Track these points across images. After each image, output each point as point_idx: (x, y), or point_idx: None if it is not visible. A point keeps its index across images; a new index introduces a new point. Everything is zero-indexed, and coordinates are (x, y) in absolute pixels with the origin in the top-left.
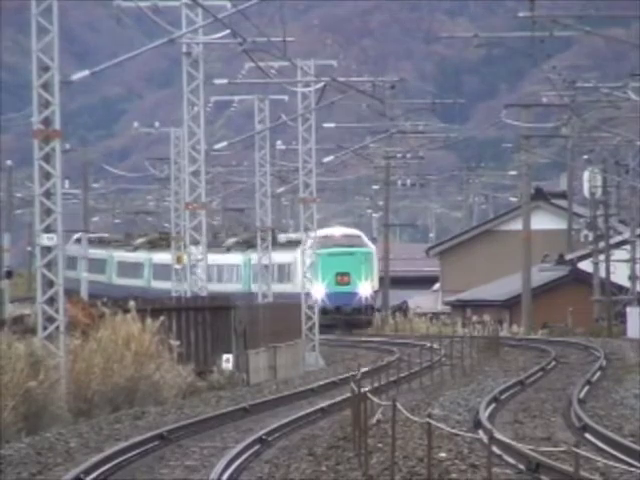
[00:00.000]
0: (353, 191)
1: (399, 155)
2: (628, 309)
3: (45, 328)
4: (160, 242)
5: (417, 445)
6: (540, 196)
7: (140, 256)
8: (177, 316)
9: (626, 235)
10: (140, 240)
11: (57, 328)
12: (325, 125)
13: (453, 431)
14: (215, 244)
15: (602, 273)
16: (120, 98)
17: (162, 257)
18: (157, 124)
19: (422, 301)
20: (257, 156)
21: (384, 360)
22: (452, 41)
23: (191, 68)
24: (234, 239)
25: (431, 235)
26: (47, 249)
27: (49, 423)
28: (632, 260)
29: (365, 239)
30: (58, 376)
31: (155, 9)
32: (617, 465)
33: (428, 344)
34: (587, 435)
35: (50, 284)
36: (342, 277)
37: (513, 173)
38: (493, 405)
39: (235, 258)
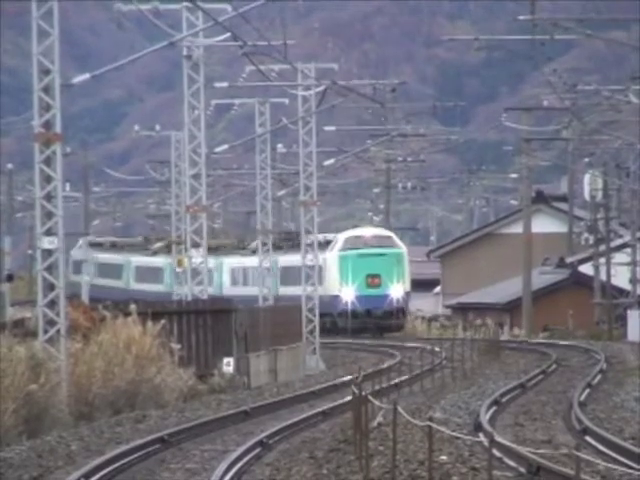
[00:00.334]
0: (354, 194)
1: (400, 158)
2: (629, 312)
3: (46, 331)
4: (179, 246)
5: (418, 448)
6: (541, 199)
7: (160, 260)
8: (178, 319)
9: (627, 238)
10: (158, 244)
11: (58, 331)
12: (326, 128)
13: (454, 434)
14: (240, 247)
15: (603, 276)
16: (121, 101)
17: None
18: (158, 127)
19: (423, 304)
20: (258, 159)
21: (385, 363)
22: (453, 44)
23: (192, 71)
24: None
25: (432, 238)
26: (48, 252)
27: (50, 426)
28: (633, 263)
29: (396, 239)
30: (59, 379)
31: (156, 12)
32: (618, 468)
33: (429, 347)
34: (588, 438)
35: (51, 287)
36: (373, 279)
37: (514, 176)
38: (494, 408)
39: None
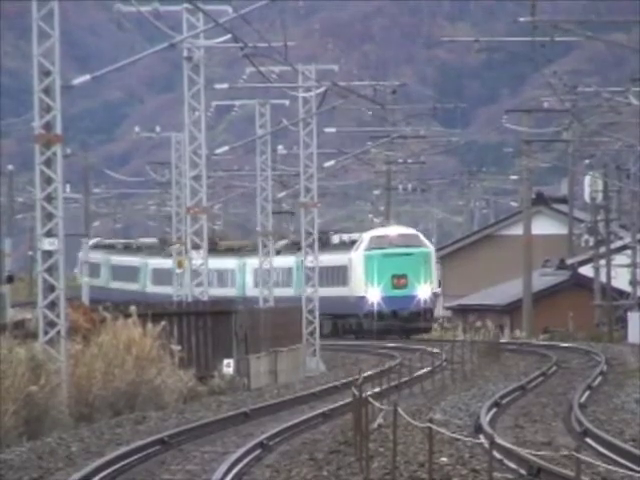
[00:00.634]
0: (354, 196)
1: (400, 160)
2: (629, 314)
3: (46, 333)
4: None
5: (418, 450)
6: (541, 201)
7: None
8: (178, 321)
9: (627, 240)
10: (175, 246)
11: (58, 333)
12: (326, 130)
13: (454, 436)
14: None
15: (603, 278)
16: (121, 103)
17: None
18: (158, 129)
19: None
20: (258, 161)
21: (385, 365)
22: (453, 46)
23: (192, 73)
24: (284, 242)
25: (432, 240)
26: (48, 253)
27: (50, 428)
28: (633, 265)
29: (423, 238)
30: (59, 381)
31: (156, 13)
32: (618, 470)
33: (429, 348)
34: (588, 440)
35: (51, 289)
36: (399, 279)
37: (514, 178)
38: (494, 410)
39: (288, 260)
